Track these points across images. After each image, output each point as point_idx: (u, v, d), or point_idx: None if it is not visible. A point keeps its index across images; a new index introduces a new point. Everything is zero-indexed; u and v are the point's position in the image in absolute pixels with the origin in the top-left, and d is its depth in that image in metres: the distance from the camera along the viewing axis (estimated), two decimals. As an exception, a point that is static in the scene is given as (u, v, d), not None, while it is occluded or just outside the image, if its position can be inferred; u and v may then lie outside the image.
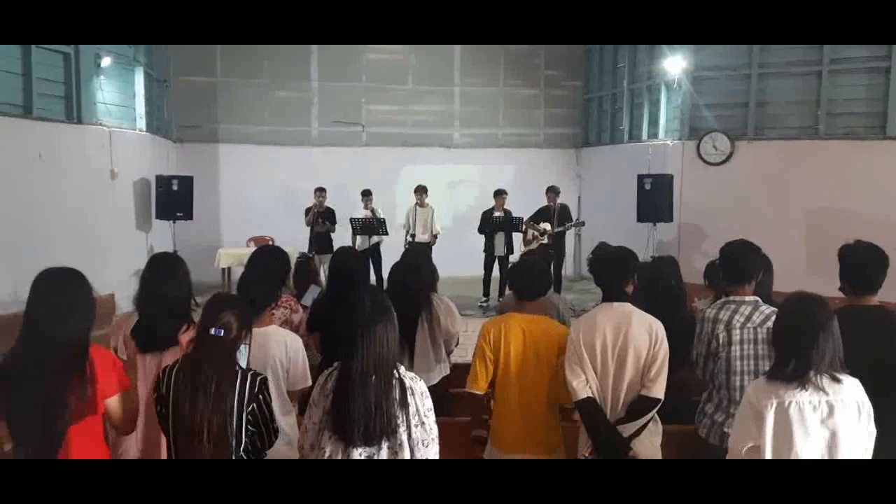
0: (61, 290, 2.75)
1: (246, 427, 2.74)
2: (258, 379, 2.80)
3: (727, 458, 2.88)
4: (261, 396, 2.77)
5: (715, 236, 9.67)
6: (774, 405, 2.65)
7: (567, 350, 3.45)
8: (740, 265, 3.62)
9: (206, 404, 2.63)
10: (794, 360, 2.65)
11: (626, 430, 3.33)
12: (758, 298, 3.58)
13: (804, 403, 2.63)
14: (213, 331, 2.71)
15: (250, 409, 2.74)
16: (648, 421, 3.37)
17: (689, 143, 10.67)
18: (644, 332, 3.34)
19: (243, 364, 2.99)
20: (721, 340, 3.51)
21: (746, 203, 9.89)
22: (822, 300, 2.77)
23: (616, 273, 3.51)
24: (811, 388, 2.63)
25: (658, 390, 3.33)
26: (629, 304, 3.44)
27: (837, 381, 2.66)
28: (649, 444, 3.39)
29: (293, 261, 5.02)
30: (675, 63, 10.62)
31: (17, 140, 7.61)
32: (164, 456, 3.25)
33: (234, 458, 2.71)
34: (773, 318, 3.43)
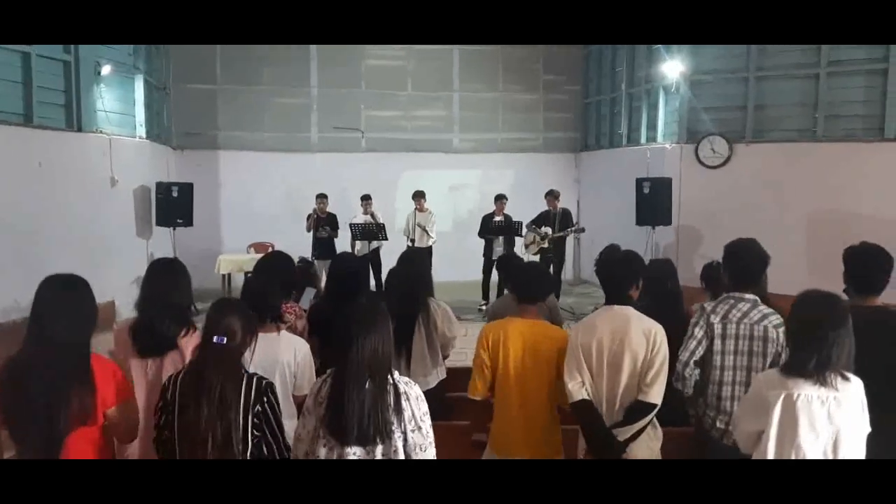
0: (65, 296, 2.76)
1: (252, 431, 2.72)
2: (263, 382, 2.78)
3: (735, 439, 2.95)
4: (265, 398, 2.75)
5: (714, 239, 9.64)
6: (783, 396, 2.69)
7: (567, 353, 3.46)
8: (745, 266, 3.61)
9: (210, 412, 2.62)
10: (815, 356, 2.66)
11: (623, 433, 3.31)
12: (757, 297, 3.58)
13: (812, 397, 2.66)
14: (215, 339, 2.70)
15: (255, 411, 2.73)
16: (646, 425, 3.35)
17: (688, 147, 10.70)
18: (641, 337, 3.32)
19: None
20: (716, 332, 3.50)
21: (745, 206, 9.89)
22: (841, 298, 2.81)
23: (621, 276, 3.50)
24: (823, 384, 2.65)
25: (654, 395, 3.30)
26: (630, 307, 3.43)
27: (846, 379, 2.69)
28: (647, 449, 3.38)
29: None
30: (673, 67, 10.66)
31: (18, 148, 7.64)
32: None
33: None
34: (772, 317, 3.45)
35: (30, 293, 2.76)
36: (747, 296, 3.56)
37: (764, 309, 3.52)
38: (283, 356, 3.40)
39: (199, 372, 2.69)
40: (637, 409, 3.32)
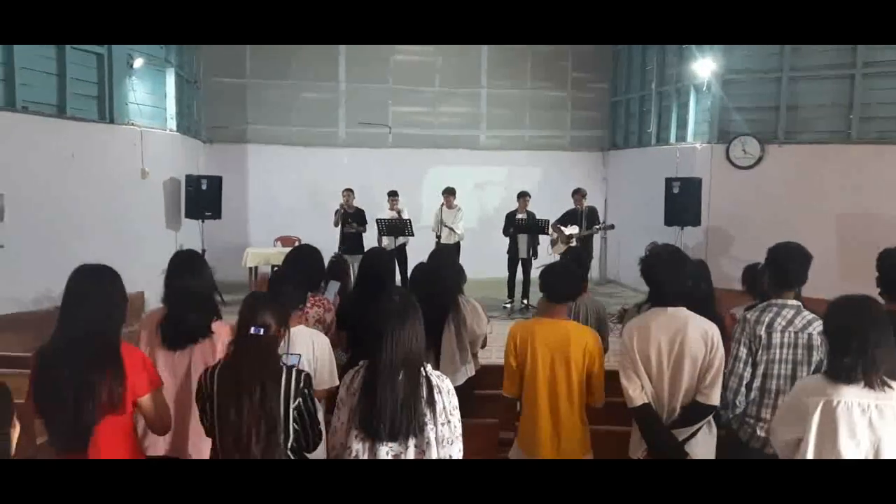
0: (95, 285, 2.80)
1: (292, 424, 2.73)
2: (302, 375, 2.80)
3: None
4: (306, 391, 2.77)
5: (743, 241, 9.58)
6: (822, 403, 2.62)
7: (621, 356, 3.45)
8: (789, 269, 3.52)
9: (251, 409, 2.62)
10: (860, 360, 2.59)
11: (681, 434, 3.33)
12: (800, 303, 3.50)
13: (853, 405, 2.59)
14: (252, 330, 2.70)
15: (296, 404, 2.74)
16: (703, 424, 3.37)
17: (718, 147, 10.58)
18: (700, 339, 3.30)
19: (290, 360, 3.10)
20: (762, 343, 3.43)
21: (776, 208, 9.77)
22: (877, 300, 2.75)
23: (673, 275, 3.41)
24: (863, 390, 2.59)
25: (714, 397, 3.30)
26: (684, 308, 3.38)
27: (889, 386, 2.61)
28: (705, 446, 3.39)
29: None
30: (704, 65, 10.52)
31: (51, 139, 7.76)
32: (192, 451, 3.29)
33: (282, 457, 2.70)
34: (816, 323, 3.37)
35: (61, 283, 2.80)
36: (790, 302, 3.49)
37: (808, 315, 3.44)
38: (301, 350, 3.40)
39: (236, 368, 2.69)
40: (697, 411, 3.32)
